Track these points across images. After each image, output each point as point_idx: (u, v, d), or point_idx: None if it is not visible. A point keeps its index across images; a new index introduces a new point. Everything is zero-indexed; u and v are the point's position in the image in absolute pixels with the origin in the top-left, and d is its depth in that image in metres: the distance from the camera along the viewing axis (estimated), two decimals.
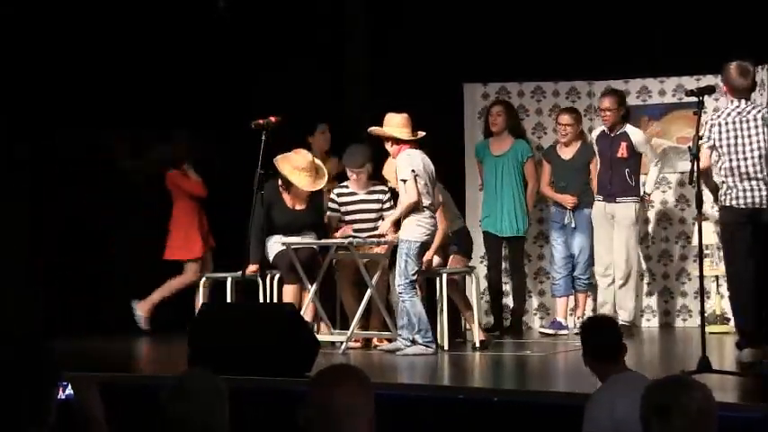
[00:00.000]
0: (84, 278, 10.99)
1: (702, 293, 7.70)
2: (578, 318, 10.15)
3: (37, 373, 3.39)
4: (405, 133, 8.84)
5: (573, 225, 10.09)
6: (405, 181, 8.71)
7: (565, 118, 10.21)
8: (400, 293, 8.68)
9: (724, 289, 10.03)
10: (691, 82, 10.36)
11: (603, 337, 5.13)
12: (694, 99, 7.17)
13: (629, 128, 10.01)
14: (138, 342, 10.25)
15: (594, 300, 10.31)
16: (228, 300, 9.49)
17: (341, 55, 11.60)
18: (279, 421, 6.01)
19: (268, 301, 9.21)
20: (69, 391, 3.74)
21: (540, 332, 10.22)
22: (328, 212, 9.57)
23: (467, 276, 9.52)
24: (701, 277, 7.55)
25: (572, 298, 10.25)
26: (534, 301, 10.88)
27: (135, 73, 11.35)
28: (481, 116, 10.78)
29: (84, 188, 11.04)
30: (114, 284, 11.17)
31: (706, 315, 7.45)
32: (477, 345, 9.08)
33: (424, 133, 8.91)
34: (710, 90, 7.40)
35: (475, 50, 11.18)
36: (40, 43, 10.90)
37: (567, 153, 10.19)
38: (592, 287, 10.24)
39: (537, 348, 9.25)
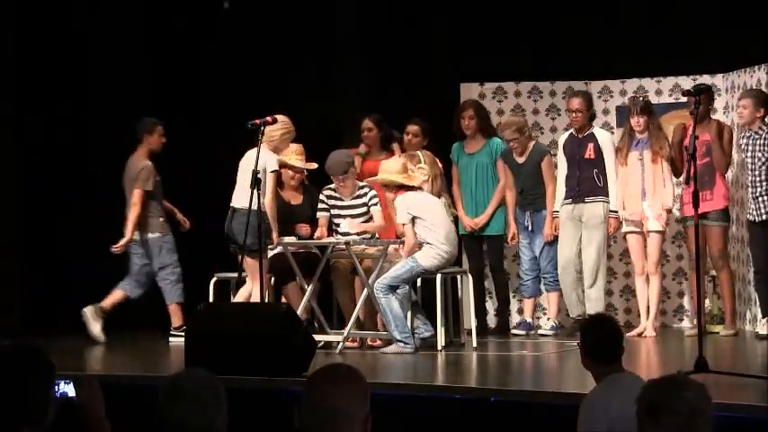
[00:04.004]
0: (72, 276, 11.04)
1: (700, 293, 7.72)
2: (549, 318, 10.17)
3: (31, 374, 3.40)
4: (404, 178, 9.03)
5: (530, 228, 10.11)
6: (403, 224, 8.94)
7: (508, 133, 10.16)
8: (376, 291, 8.74)
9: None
10: (687, 82, 10.37)
11: (603, 338, 5.12)
12: (691, 99, 7.19)
13: (596, 129, 10.10)
14: (134, 341, 10.24)
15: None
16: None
17: (337, 55, 11.60)
18: (275, 421, 6.01)
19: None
20: (72, 389, 3.75)
21: (513, 334, 10.19)
22: (318, 212, 9.58)
23: (461, 277, 9.51)
24: (699, 277, 7.56)
25: (544, 298, 10.28)
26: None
27: (132, 69, 11.39)
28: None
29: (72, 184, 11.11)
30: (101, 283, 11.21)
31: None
32: (475, 345, 9.09)
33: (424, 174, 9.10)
34: (707, 90, 7.45)
35: (472, 50, 11.19)
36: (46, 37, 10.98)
37: (520, 157, 10.18)
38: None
39: (531, 348, 9.26)
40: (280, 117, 9.07)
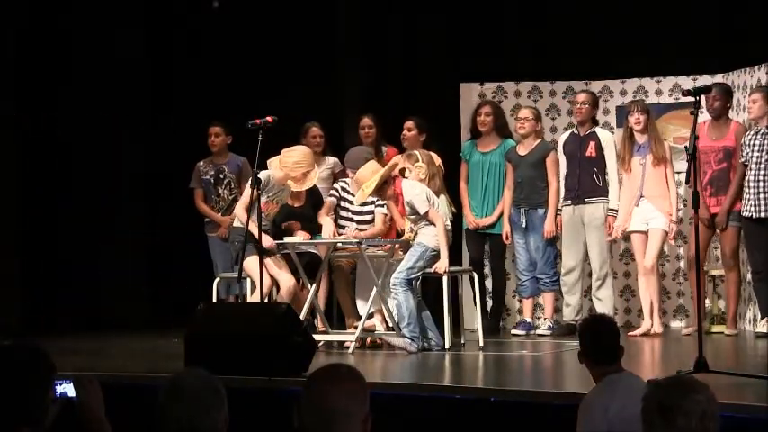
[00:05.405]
0: (72, 276, 11.06)
1: (699, 293, 7.72)
2: (545, 318, 10.17)
3: (31, 374, 3.40)
4: (387, 170, 8.93)
5: (524, 225, 10.10)
6: (427, 213, 8.75)
7: (524, 112, 10.22)
8: (394, 285, 8.71)
9: (721, 289, 10.08)
10: (687, 82, 10.37)
11: (602, 338, 5.12)
12: (691, 99, 7.19)
13: (598, 129, 10.14)
14: (134, 341, 10.24)
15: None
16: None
17: (336, 55, 11.60)
18: (275, 421, 6.02)
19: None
20: (72, 389, 3.75)
21: (513, 334, 10.19)
22: (328, 198, 9.58)
23: (461, 276, 9.51)
24: (698, 277, 7.57)
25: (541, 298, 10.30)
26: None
27: (132, 69, 11.41)
28: None
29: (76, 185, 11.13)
30: (101, 283, 11.23)
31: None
32: (482, 344, 9.09)
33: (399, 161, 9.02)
34: (707, 90, 7.47)
35: (472, 50, 11.19)
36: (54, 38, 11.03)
37: (523, 149, 10.18)
38: (558, 287, 10.23)
39: (531, 348, 9.26)
40: (301, 149, 9.19)
